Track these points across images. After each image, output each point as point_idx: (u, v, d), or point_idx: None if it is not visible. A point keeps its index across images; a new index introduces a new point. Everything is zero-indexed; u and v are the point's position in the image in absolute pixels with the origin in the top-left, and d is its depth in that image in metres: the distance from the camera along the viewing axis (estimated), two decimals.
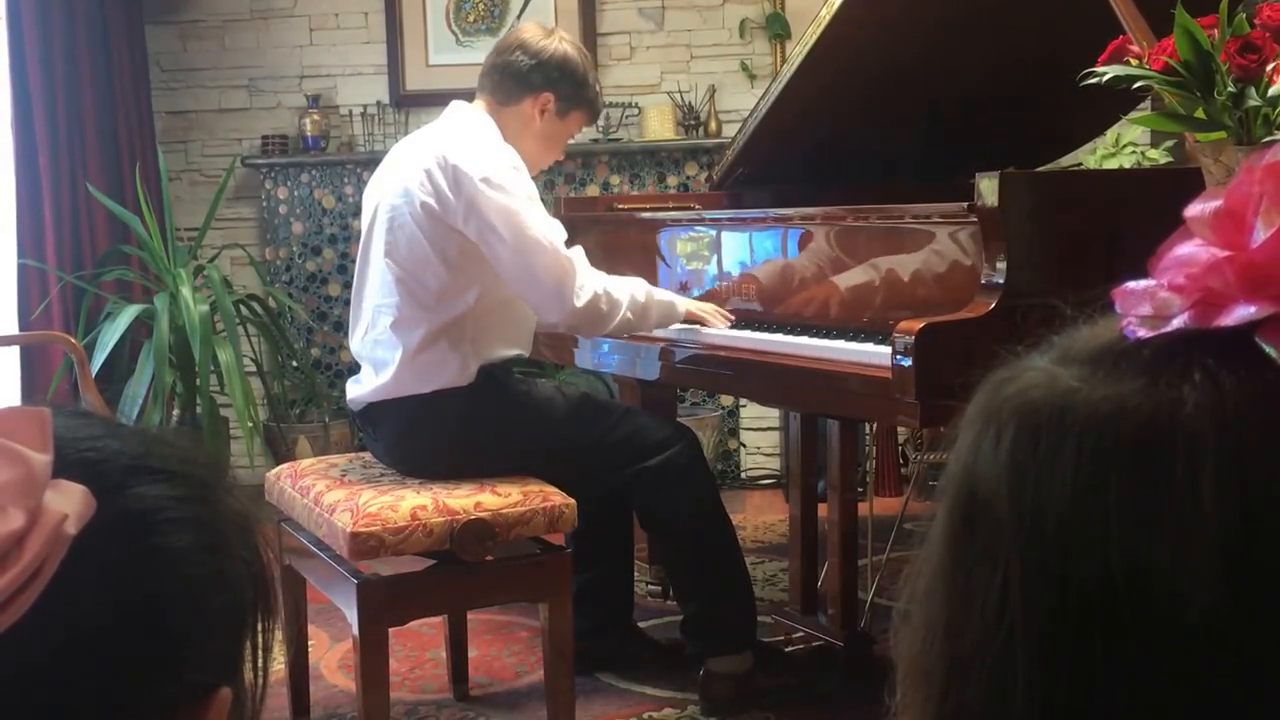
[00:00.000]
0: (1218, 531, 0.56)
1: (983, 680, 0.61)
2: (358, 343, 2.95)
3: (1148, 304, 0.63)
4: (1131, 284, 0.64)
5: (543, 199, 5.05)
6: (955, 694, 0.62)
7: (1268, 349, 0.59)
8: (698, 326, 3.04)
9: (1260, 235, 0.61)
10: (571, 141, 5.01)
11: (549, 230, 2.83)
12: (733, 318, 3.04)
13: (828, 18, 3.02)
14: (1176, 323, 0.62)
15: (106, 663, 0.62)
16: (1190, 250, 0.63)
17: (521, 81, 2.97)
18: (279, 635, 0.77)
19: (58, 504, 0.60)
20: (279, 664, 2.95)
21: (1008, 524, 0.61)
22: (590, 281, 2.87)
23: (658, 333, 3.12)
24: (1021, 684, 0.59)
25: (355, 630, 2.56)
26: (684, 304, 3.03)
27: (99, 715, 0.62)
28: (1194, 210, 0.64)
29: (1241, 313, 0.60)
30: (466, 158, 2.79)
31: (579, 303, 2.83)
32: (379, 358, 2.88)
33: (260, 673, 0.74)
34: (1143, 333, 0.63)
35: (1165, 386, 0.59)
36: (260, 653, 0.74)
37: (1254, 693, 0.56)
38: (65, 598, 0.59)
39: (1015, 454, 0.62)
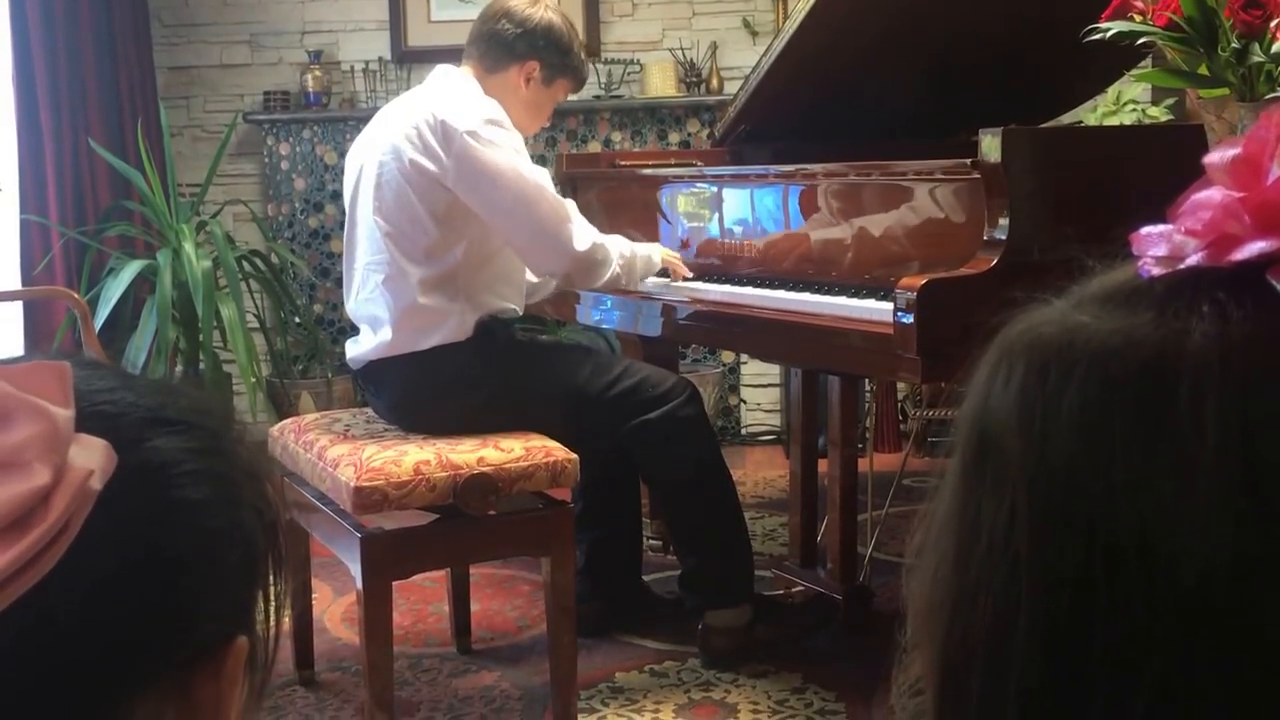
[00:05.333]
0: (1219, 461, 0.57)
1: (987, 609, 0.62)
2: (352, 303, 2.97)
3: (1164, 245, 0.64)
4: (1149, 228, 0.65)
5: (544, 156, 5.11)
6: (961, 623, 0.63)
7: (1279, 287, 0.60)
8: (684, 281, 3.13)
9: (1275, 175, 0.62)
10: (573, 98, 5.04)
11: (541, 178, 2.89)
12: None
13: None
14: (1190, 261, 0.63)
15: (127, 615, 0.63)
16: (1207, 194, 0.64)
17: (508, 50, 3.00)
18: (288, 585, 0.78)
19: (82, 459, 0.60)
20: (285, 615, 2.98)
21: (1015, 456, 0.62)
22: (585, 229, 2.95)
23: (665, 297, 3.14)
24: (1024, 614, 0.60)
25: (359, 584, 2.58)
26: (659, 253, 3.12)
27: (120, 667, 0.63)
28: (1213, 158, 0.65)
29: (1254, 247, 0.61)
30: (455, 114, 2.82)
31: (580, 246, 2.89)
32: (374, 315, 2.90)
33: (273, 621, 0.75)
34: (1156, 271, 0.64)
35: (1173, 319, 0.60)
36: (272, 601, 0.75)
37: (1253, 622, 0.57)
38: (87, 551, 0.60)
39: (1025, 388, 0.63)
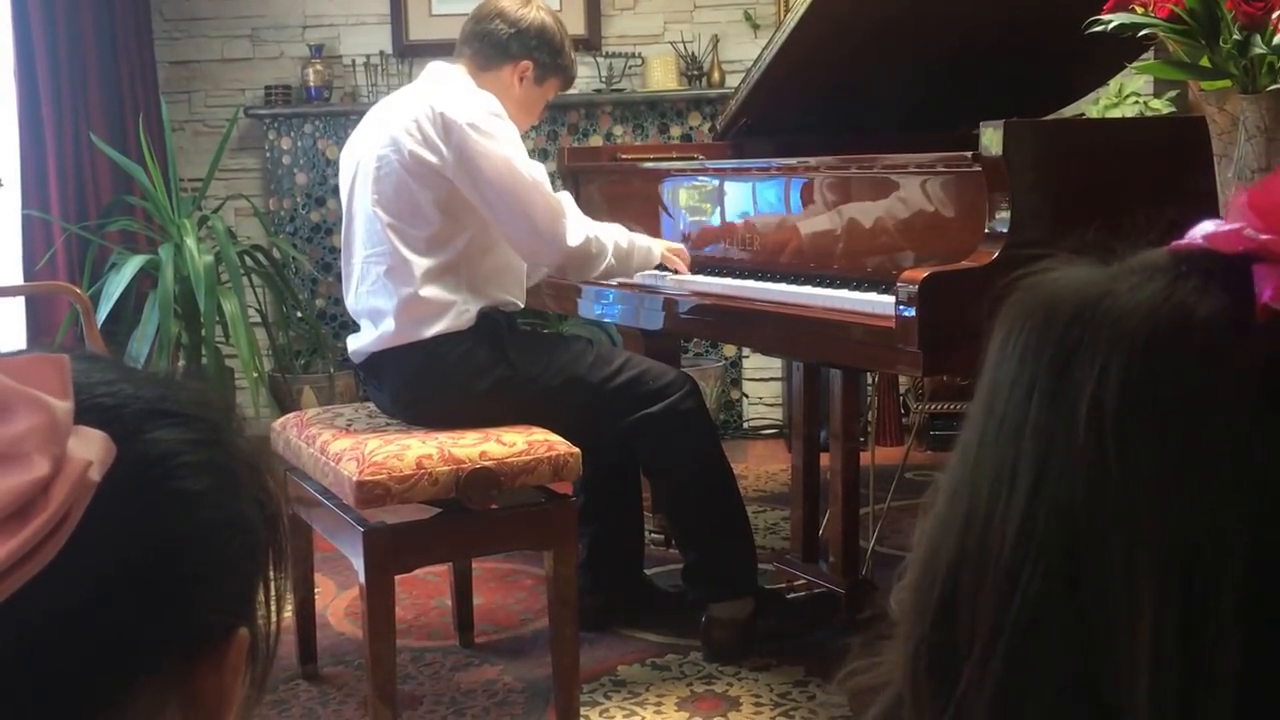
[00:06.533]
0: (1091, 419, 0.60)
1: (939, 504, 0.67)
2: (352, 298, 2.98)
3: (1209, 227, 0.65)
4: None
5: (545, 150, 5.11)
6: (928, 518, 0.69)
7: (1258, 286, 0.60)
8: (684, 276, 3.13)
9: None
10: (575, 92, 5.05)
11: (537, 173, 2.90)
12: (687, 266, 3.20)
13: None
14: (1200, 240, 0.64)
15: (128, 607, 0.63)
16: None
17: (501, 49, 3.03)
18: (289, 576, 0.78)
19: (81, 451, 0.60)
20: (286, 609, 2.98)
21: (986, 380, 0.66)
22: (579, 223, 2.96)
23: (666, 290, 3.14)
24: (955, 514, 0.65)
25: (362, 578, 2.58)
26: (659, 248, 3.12)
27: (121, 658, 0.63)
28: None
29: (1224, 225, 0.63)
30: (455, 106, 2.84)
31: (573, 242, 2.90)
32: (375, 308, 2.90)
33: (274, 613, 0.75)
34: (1175, 244, 0.65)
35: (1127, 280, 0.63)
36: (273, 594, 0.75)
37: (1109, 582, 0.60)
38: (87, 542, 0.60)
39: (1006, 327, 0.66)
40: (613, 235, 3.00)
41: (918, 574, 0.67)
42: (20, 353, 0.65)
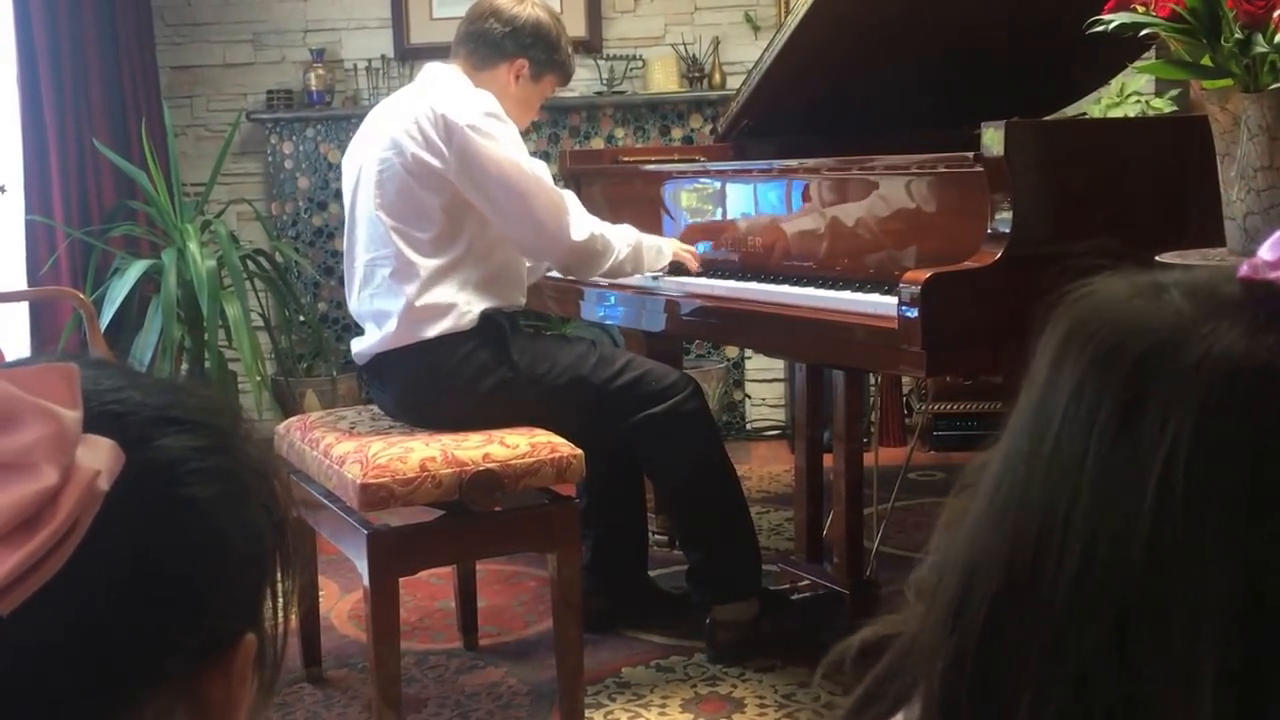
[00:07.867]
0: (1167, 466, 0.58)
1: (968, 519, 0.67)
2: (355, 301, 2.98)
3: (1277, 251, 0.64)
4: None
5: (547, 152, 5.11)
6: (964, 551, 0.68)
7: None
8: (688, 277, 3.14)
9: None
10: (576, 95, 5.06)
11: (539, 170, 2.91)
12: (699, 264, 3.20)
13: None
14: (1273, 275, 0.63)
15: (136, 614, 0.63)
16: None
17: (496, 48, 3.03)
18: (296, 582, 0.78)
19: (89, 460, 0.60)
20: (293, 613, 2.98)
21: (1033, 411, 0.65)
22: (584, 219, 2.98)
23: (668, 292, 3.14)
24: (997, 560, 0.64)
25: (366, 580, 2.58)
26: (670, 247, 3.14)
27: (129, 666, 0.63)
28: None
29: None
30: (454, 107, 2.84)
31: (577, 237, 2.91)
32: (380, 310, 2.90)
33: (281, 619, 0.76)
34: (1244, 273, 0.63)
35: (1199, 319, 0.61)
36: (280, 599, 0.75)
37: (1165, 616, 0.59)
38: (95, 551, 0.60)
39: (1060, 349, 0.65)
40: (620, 233, 3.01)
41: (950, 582, 0.66)
42: (29, 361, 0.65)
